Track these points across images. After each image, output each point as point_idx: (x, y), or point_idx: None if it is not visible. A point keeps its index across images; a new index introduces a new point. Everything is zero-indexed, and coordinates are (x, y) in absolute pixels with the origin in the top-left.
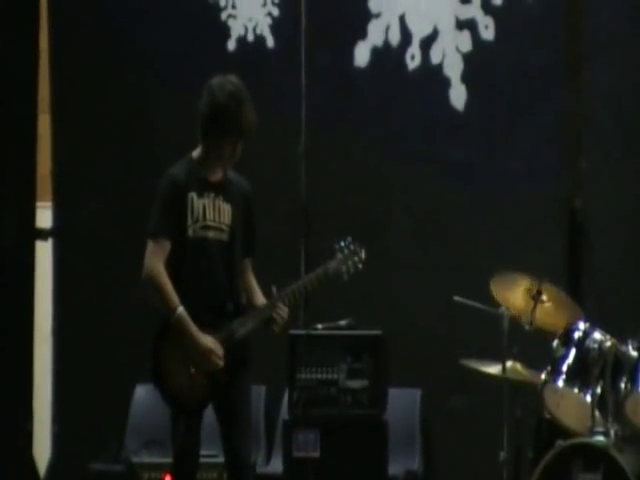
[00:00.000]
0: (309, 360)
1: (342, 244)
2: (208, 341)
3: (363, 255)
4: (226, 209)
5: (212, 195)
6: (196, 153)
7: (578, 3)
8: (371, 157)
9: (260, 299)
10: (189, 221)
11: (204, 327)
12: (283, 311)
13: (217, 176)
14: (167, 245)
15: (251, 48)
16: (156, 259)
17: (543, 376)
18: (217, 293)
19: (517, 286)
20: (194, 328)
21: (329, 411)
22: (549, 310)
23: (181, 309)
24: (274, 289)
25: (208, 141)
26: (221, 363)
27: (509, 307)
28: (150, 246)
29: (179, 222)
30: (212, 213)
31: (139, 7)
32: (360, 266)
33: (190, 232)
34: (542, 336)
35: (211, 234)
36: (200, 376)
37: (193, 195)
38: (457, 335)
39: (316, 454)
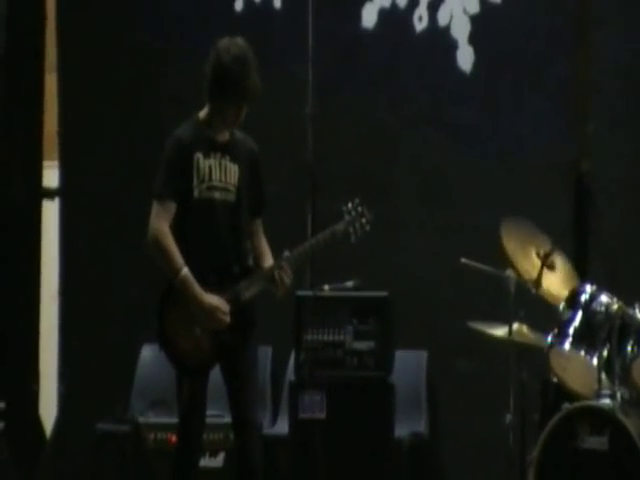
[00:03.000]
0: (315, 321)
1: (350, 206)
2: (213, 299)
3: (371, 217)
4: (233, 169)
5: (218, 155)
6: (202, 113)
7: None
8: (377, 119)
9: (269, 261)
10: (195, 182)
11: (210, 288)
12: (287, 275)
13: (224, 136)
14: (172, 206)
15: (258, 9)
16: (161, 220)
17: (549, 339)
18: (223, 254)
19: (527, 243)
20: (198, 288)
21: (335, 373)
22: (555, 278)
23: (185, 270)
24: (286, 252)
25: (213, 103)
26: (227, 319)
27: (515, 262)
28: (155, 207)
29: (185, 183)
30: (218, 173)
31: None
32: (368, 228)
33: (196, 193)
34: (548, 299)
35: (217, 195)
36: (206, 337)
37: (199, 155)
38: (463, 297)
39: (322, 416)
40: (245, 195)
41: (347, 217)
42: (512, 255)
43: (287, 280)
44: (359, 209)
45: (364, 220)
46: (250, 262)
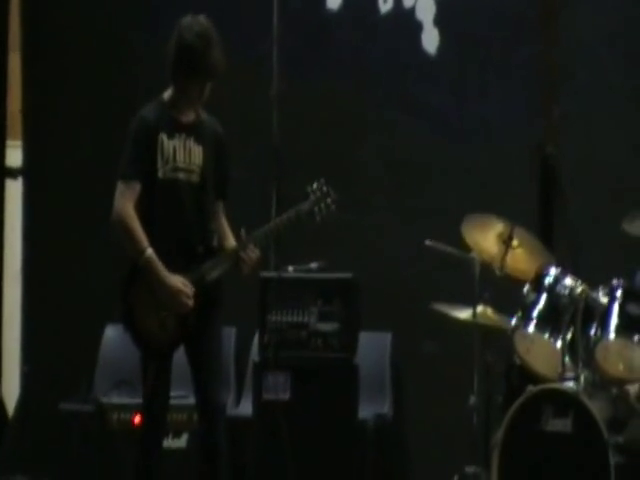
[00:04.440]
0: (280, 303)
1: (314, 186)
2: (177, 281)
3: (336, 196)
4: (197, 150)
5: (183, 136)
6: (167, 94)
7: None
8: (343, 101)
9: (231, 242)
10: (159, 163)
11: (174, 269)
12: (253, 252)
13: (189, 117)
14: (137, 187)
15: None
16: (125, 201)
17: (514, 321)
18: (188, 235)
19: (488, 230)
20: (162, 269)
21: (299, 354)
22: (520, 255)
23: (150, 251)
24: (243, 231)
25: (177, 82)
26: (190, 303)
27: (480, 251)
28: (120, 188)
29: (149, 164)
30: (182, 154)
31: None
32: (333, 207)
33: (160, 174)
34: (513, 281)
35: (181, 176)
36: (170, 318)
37: (163, 136)
38: (428, 279)
39: (286, 397)
40: (209, 176)
41: (312, 197)
42: (475, 244)
43: (254, 258)
44: (324, 189)
45: (329, 200)
46: (215, 243)
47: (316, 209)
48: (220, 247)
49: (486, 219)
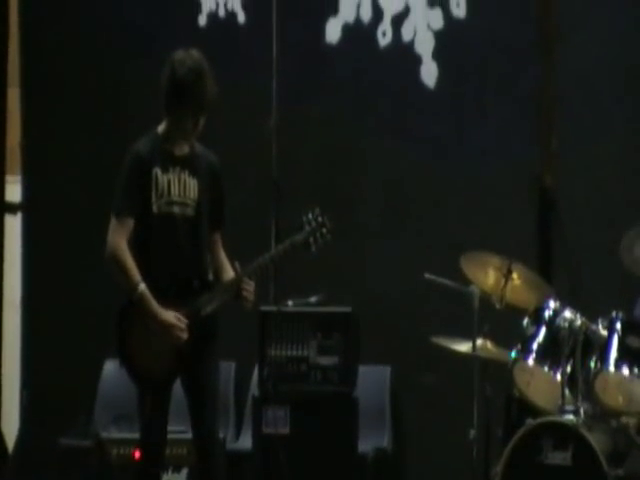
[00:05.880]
0: (279, 336)
1: (310, 216)
2: (170, 316)
3: (331, 226)
4: (192, 183)
5: (177, 170)
6: (161, 127)
7: None
8: (341, 133)
9: (229, 274)
10: (153, 197)
11: (170, 304)
12: (250, 286)
13: (183, 150)
14: (130, 223)
15: (222, 23)
16: (118, 237)
17: (513, 354)
18: (183, 269)
19: (487, 264)
20: (155, 305)
21: (299, 387)
22: (519, 288)
23: (142, 286)
24: (237, 264)
25: (170, 116)
26: (184, 336)
27: (479, 285)
28: (113, 223)
29: (143, 198)
30: (177, 188)
31: None
32: (329, 237)
33: (155, 208)
34: (513, 314)
35: (176, 209)
36: (166, 352)
37: (157, 170)
38: (427, 312)
39: (286, 431)
40: (204, 209)
41: (307, 227)
42: (474, 278)
43: (250, 291)
44: (319, 219)
45: (324, 230)
46: (210, 276)
47: (311, 239)
48: (216, 280)
49: (484, 255)
